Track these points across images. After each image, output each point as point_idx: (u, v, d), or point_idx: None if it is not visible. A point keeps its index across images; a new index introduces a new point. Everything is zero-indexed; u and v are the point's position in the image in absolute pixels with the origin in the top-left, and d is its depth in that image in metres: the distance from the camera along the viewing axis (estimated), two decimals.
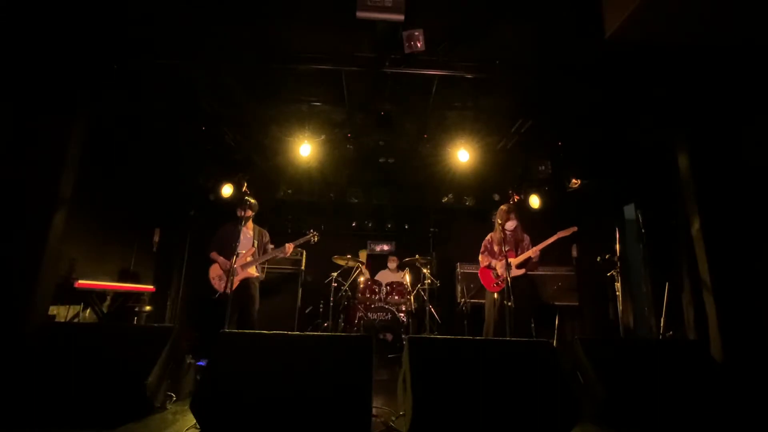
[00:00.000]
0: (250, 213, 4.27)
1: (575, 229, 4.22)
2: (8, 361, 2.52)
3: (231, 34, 3.45)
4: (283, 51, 3.58)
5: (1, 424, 2.25)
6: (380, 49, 3.45)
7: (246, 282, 4.15)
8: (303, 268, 6.16)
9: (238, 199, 4.37)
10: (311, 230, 4.74)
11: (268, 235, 4.49)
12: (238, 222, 4.16)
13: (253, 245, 4.28)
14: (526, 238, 4.40)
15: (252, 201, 4.30)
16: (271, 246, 4.47)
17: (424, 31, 3.17)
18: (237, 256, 3.86)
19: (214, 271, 4.24)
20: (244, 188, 5.38)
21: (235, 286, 4.04)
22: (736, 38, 2.94)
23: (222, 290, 3.98)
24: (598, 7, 2.95)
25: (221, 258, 4.17)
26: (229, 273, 3.65)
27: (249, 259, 4.20)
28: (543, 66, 3.65)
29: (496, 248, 4.35)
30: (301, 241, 4.59)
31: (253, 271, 4.22)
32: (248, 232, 4.33)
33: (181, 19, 3.24)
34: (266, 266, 4.45)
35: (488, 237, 4.53)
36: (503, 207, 4.45)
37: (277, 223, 4.58)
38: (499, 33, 3.38)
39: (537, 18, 3.22)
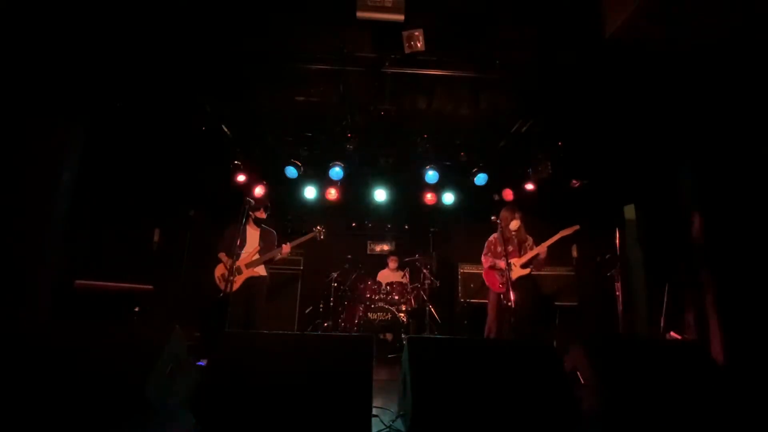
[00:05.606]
0: (263, 215, 4.34)
1: (578, 227, 4.23)
2: (7, 362, 2.52)
3: (231, 34, 3.46)
4: (283, 50, 3.58)
5: (0, 425, 2.25)
6: (380, 49, 3.45)
7: (251, 281, 4.15)
8: (303, 268, 6.16)
9: (254, 200, 4.35)
10: (317, 227, 4.69)
11: (274, 233, 4.47)
12: (247, 222, 4.20)
13: (258, 244, 4.27)
14: (530, 238, 4.40)
15: (266, 202, 4.38)
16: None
17: (424, 31, 3.17)
18: (237, 257, 3.86)
19: (219, 271, 4.23)
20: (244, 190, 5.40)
21: (239, 285, 4.08)
22: (736, 39, 2.94)
23: (230, 290, 3.93)
24: (598, 7, 2.95)
25: (226, 258, 4.16)
26: (230, 273, 3.64)
27: (255, 257, 4.20)
28: (543, 66, 3.65)
29: (499, 249, 4.31)
30: (306, 238, 4.55)
31: (259, 270, 4.21)
32: (255, 231, 4.33)
33: (182, 18, 3.24)
34: (268, 266, 4.42)
35: (491, 238, 4.52)
36: (506, 208, 4.44)
37: (277, 224, 4.57)
38: (499, 33, 3.38)
39: (537, 18, 3.22)
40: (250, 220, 4.31)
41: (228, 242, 4.08)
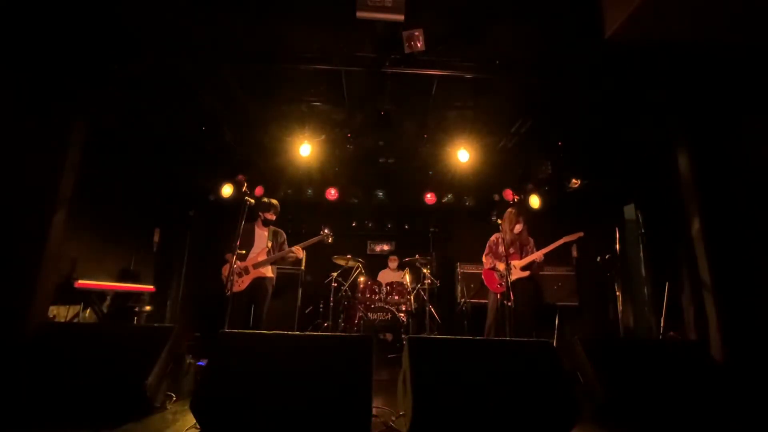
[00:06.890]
0: (272, 216, 4.32)
1: (581, 234, 4.21)
2: (8, 362, 2.52)
3: (231, 34, 3.45)
4: (283, 51, 3.58)
5: (1, 424, 2.25)
6: (380, 49, 3.44)
7: (258, 281, 4.13)
8: (303, 268, 6.16)
9: (260, 201, 4.30)
10: (324, 230, 4.64)
11: (284, 234, 4.44)
12: (255, 223, 4.22)
13: (266, 245, 4.24)
14: (531, 240, 4.39)
15: (275, 202, 4.37)
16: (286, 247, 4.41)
17: (424, 31, 3.17)
18: (238, 257, 3.83)
19: (227, 271, 4.20)
20: (245, 189, 5.39)
21: (246, 285, 4.08)
22: (736, 37, 2.94)
23: (232, 290, 3.89)
24: (598, 7, 2.95)
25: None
26: (230, 273, 3.63)
27: (262, 258, 4.17)
28: (543, 66, 3.65)
29: (501, 249, 4.29)
30: (314, 240, 4.50)
31: (266, 271, 4.19)
32: (263, 232, 4.32)
33: (182, 18, 3.24)
34: (275, 266, 4.40)
35: (493, 238, 4.50)
36: (511, 209, 4.42)
37: (277, 224, 4.56)
38: (499, 33, 3.37)
39: (537, 18, 3.22)
40: (260, 220, 4.31)
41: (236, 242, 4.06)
